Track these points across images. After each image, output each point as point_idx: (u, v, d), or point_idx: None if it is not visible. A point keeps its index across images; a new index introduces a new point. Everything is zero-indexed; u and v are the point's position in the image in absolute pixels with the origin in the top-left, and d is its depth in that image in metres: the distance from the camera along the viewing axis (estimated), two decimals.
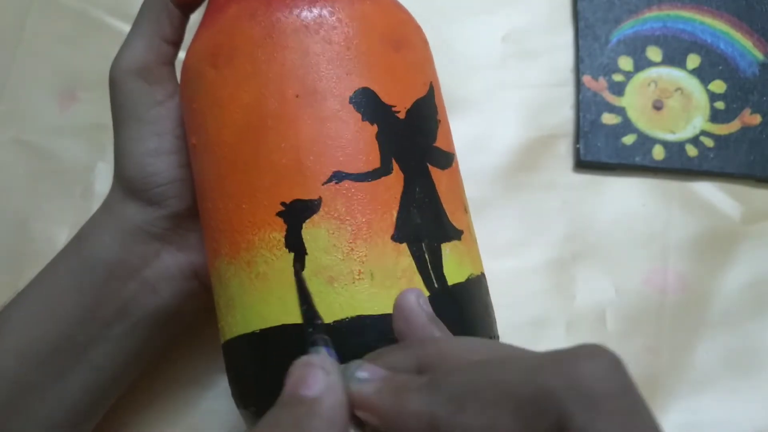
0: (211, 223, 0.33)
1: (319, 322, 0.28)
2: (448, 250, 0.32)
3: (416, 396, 0.21)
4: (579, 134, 0.49)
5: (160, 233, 0.38)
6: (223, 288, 0.33)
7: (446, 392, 0.21)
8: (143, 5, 0.38)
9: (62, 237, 0.49)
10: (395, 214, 0.31)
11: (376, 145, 0.31)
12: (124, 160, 0.38)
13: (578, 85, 0.51)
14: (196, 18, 0.38)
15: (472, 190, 0.37)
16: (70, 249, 0.39)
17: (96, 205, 0.48)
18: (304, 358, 0.23)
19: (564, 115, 0.51)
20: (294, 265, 0.30)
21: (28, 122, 0.52)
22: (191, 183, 0.37)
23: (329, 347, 0.25)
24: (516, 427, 0.19)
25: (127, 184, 0.38)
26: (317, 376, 0.22)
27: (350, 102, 0.31)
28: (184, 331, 0.42)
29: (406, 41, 0.34)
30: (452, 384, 0.21)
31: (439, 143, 0.34)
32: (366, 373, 0.23)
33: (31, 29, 0.54)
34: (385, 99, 0.32)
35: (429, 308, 0.26)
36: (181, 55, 0.39)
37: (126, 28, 0.52)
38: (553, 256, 0.48)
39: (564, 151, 0.50)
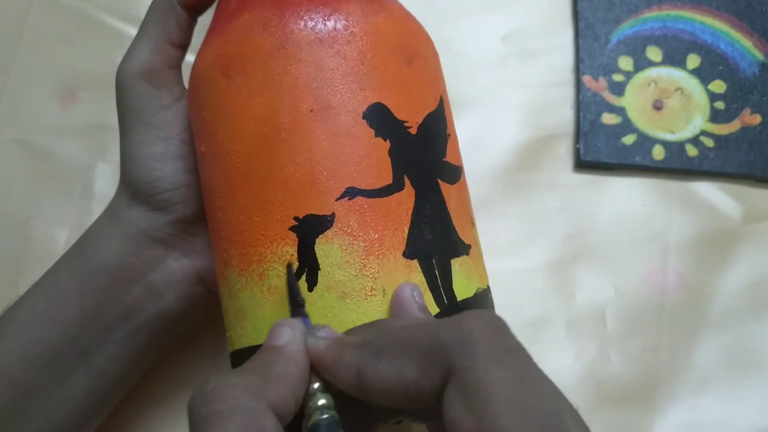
0: (221, 233, 0.33)
1: (300, 300, 0.30)
2: (457, 265, 0.32)
3: (351, 351, 0.26)
4: (579, 134, 0.49)
5: (166, 238, 0.38)
6: (232, 298, 0.33)
7: (370, 348, 0.26)
8: (150, 8, 0.38)
9: (62, 237, 0.49)
10: (407, 230, 0.31)
11: (389, 161, 0.31)
12: (129, 164, 0.37)
13: (578, 85, 0.51)
14: (203, 20, 0.38)
15: (472, 190, 0.37)
16: (73, 252, 0.39)
17: (96, 205, 0.48)
18: (276, 322, 0.29)
19: (564, 115, 0.51)
20: (288, 264, 0.31)
21: (28, 122, 0.52)
22: (197, 188, 0.37)
23: (306, 317, 0.29)
24: (417, 372, 0.24)
25: (133, 188, 0.38)
26: (285, 330, 0.28)
27: (363, 117, 0.31)
28: (188, 334, 0.42)
29: (418, 54, 0.34)
30: (375, 342, 0.26)
31: (449, 158, 0.34)
32: (323, 333, 0.28)
33: (31, 29, 0.54)
34: (398, 114, 0.32)
35: (421, 300, 0.30)
36: (188, 58, 0.39)
37: (126, 28, 0.53)
38: (553, 256, 0.48)
39: (564, 151, 0.50)
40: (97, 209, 0.48)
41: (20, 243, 0.49)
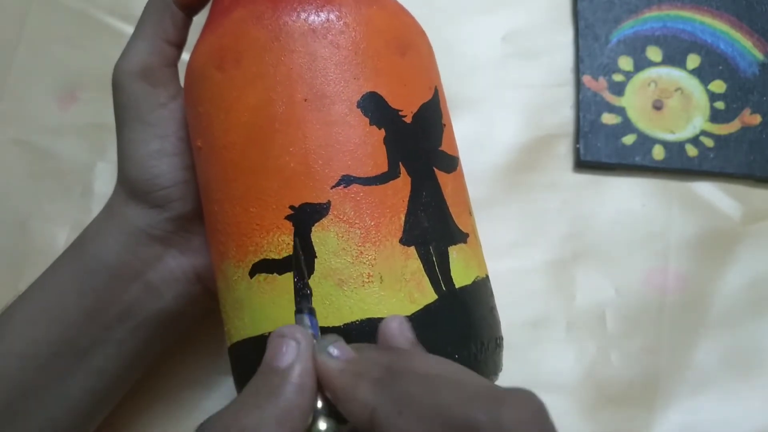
0: (217, 226, 0.33)
1: (308, 292, 0.29)
2: (455, 253, 0.32)
3: (368, 387, 0.24)
4: (579, 134, 0.49)
5: (164, 236, 0.38)
6: (229, 291, 0.33)
7: (393, 393, 0.23)
8: (146, 7, 0.38)
9: (62, 237, 0.49)
10: (403, 217, 0.31)
11: (384, 150, 0.31)
12: (127, 162, 0.38)
13: (578, 85, 0.51)
14: (199, 20, 0.38)
15: (472, 190, 0.37)
16: (71, 251, 0.39)
17: (96, 205, 0.48)
18: (278, 330, 0.26)
19: (564, 115, 0.51)
20: (294, 238, 0.30)
21: (28, 122, 0.52)
22: (194, 185, 0.37)
23: (312, 315, 0.28)
24: None
25: (131, 186, 0.38)
26: (289, 347, 0.25)
27: (358, 106, 0.31)
28: (187, 333, 0.42)
29: (412, 45, 0.34)
30: (400, 388, 0.23)
31: (445, 147, 0.34)
32: (337, 350, 0.25)
33: (31, 29, 0.54)
34: (392, 103, 0.32)
35: (410, 334, 0.27)
36: (184, 56, 0.39)
37: (126, 28, 0.53)
38: (553, 256, 0.48)
39: (564, 151, 0.50)
40: (97, 209, 0.48)
41: (20, 243, 0.49)
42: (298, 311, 0.28)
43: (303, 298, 0.28)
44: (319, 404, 0.25)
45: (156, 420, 0.45)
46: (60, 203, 0.50)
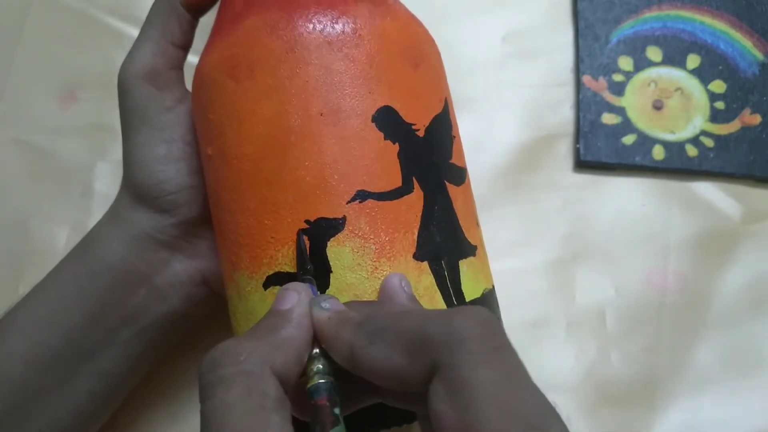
0: (229, 236, 0.33)
1: (309, 267, 0.30)
2: (465, 266, 0.33)
3: (348, 329, 0.27)
4: (579, 134, 0.49)
5: (170, 240, 0.38)
6: (242, 301, 0.33)
7: (365, 330, 0.27)
8: (152, 9, 0.38)
9: (62, 237, 0.49)
10: (416, 232, 0.31)
11: (398, 164, 0.31)
12: (133, 166, 0.37)
13: (578, 85, 0.51)
14: (205, 21, 0.38)
15: (472, 190, 0.37)
16: (75, 254, 0.39)
17: (96, 205, 0.48)
18: (284, 285, 0.29)
19: (564, 115, 0.51)
20: (298, 233, 0.31)
21: (28, 122, 0.52)
22: (201, 190, 0.37)
23: (312, 285, 0.30)
24: (405, 361, 0.25)
25: (137, 191, 0.37)
26: (290, 295, 0.28)
27: (373, 121, 0.31)
28: (191, 333, 0.42)
29: (424, 57, 0.34)
30: (370, 325, 0.27)
31: (455, 160, 0.34)
32: (328, 304, 0.28)
33: (31, 29, 0.54)
34: (406, 117, 0.32)
35: (409, 290, 0.30)
36: (191, 59, 0.39)
37: (126, 28, 0.53)
38: (553, 256, 0.48)
39: (564, 151, 0.50)
40: (97, 209, 0.48)
41: (20, 243, 0.49)
42: (302, 281, 0.30)
43: (305, 272, 0.30)
44: (317, 350, 0.28)
45: (156, 420, 0.45)
46: (60, 203, 0.50)
